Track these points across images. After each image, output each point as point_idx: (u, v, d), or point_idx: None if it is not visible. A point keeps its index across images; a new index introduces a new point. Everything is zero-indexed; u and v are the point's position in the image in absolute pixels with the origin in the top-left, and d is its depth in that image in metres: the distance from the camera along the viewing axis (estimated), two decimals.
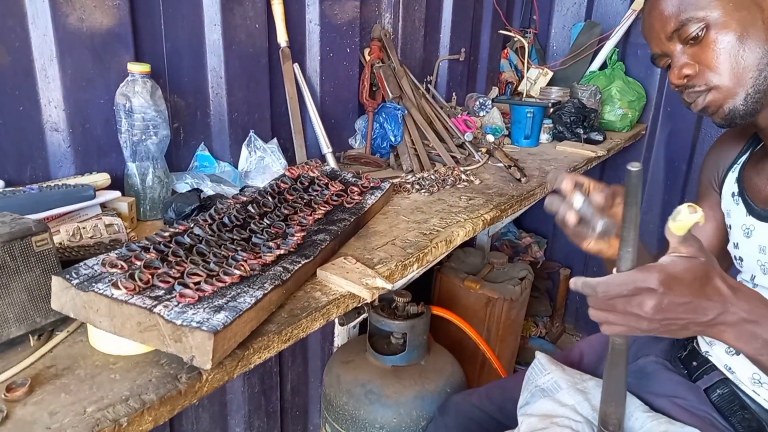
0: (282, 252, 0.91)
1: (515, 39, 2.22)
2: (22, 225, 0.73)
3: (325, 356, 1.84)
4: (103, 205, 1.06)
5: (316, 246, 0.97)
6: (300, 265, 0.89)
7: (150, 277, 0.74)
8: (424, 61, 1.90)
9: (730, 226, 0.98)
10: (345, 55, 1.59)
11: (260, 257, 0.88)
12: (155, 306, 0.69)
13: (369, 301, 0.91)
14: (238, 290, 0.78)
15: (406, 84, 1.68)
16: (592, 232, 0.80)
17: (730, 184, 0.98)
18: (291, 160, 1.43)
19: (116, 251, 0.80)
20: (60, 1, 1.01)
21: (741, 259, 0.96)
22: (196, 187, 1.20)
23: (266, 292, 0.79)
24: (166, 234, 0.88)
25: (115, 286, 0.71)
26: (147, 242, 0.84)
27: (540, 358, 1.07)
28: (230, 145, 1.36)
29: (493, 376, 1.96)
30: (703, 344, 1.01)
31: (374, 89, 1.64)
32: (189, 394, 0.70)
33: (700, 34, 0.82)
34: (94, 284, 0.71)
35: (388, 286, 0.93)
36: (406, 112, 1.59)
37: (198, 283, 0.76)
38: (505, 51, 2.35)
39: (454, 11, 1.96)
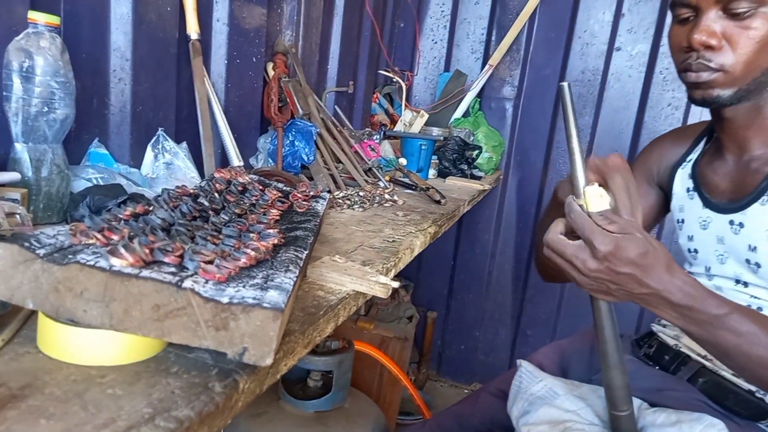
0: (275, 242, 0.73)
1: (394, 81, 2.26)
2: None
3: None
4: None
5: (302, 240, 0.79)
6: (306, 253, 0.72)
7: (149, 251, 0.52)
8: (317, 87, 1.82)
9: (682, 220, 1.05)
10: (251, 65, 1.44)
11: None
12: (182, 280, 0.48)
13: (385, 298, 0.77)
14: (262, 272, 0.58)
15: (312, 103, 1.57)
16: None
17: (683, 180, 1.06)
18: (199, 171, 1.21)
19: (80, 221, 0.55)
20: None
21: (696, 251, 1.02)
22: (103, 183, 0.93)
23: (296, 274, 0.61)
24: (127, 212, 0.64)
25: (114, 254, 0.47)
26: (109, 216, 0.60)
27: (525, 366, 1.00)
28: (131, 144, 1.10)
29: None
30: (669, 339, 1.04)
31: (281, 105, 1.50)
32: (225, 409, 0.49)
33: (746, 12, 0.80)
34: (72, 256, 0.47)
35: (396, 285, 0.80)
36: (319, 130, 1.48)
37: (210, 262, 0.56)
38: (375, 95, 2.38)
39: (342, 43, 1.93)
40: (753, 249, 0.91)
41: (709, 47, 0.83)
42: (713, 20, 0.83)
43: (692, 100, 0.91)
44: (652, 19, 2.21)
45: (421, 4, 2.55)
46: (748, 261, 0.92)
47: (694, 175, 1.04)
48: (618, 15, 2.26)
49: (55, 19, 0.82)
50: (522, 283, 2.64)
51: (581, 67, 2.35)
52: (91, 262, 0.46)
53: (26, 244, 0.46)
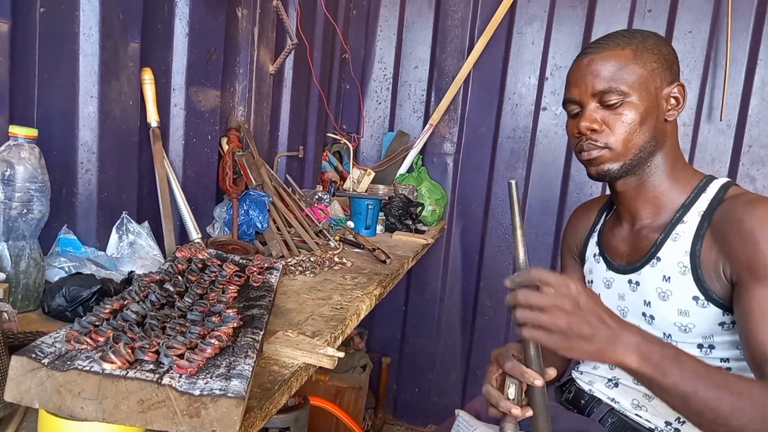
0: (235, 325, 0.84)
1: (342, 143, 2.42)
2: None
3: None
4: None
5: (258, 319, 0.91)
6: (262, 333, 0.83)
7: (131, 350, 0.63)
8: (269, 154, 1.95)
9: (591, 281, 1.22)
10: (206, 142, 1.56)
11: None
12: (161, 377, 0.59)
13: (331, 369, 0.89)
14: (225, 360, 0.70)
15: (264, 173, 1.70)
16: None
17: (592, 248, 1.23)
18: (159, 246, 1.31)
19: (72, 326, 0.66)
20: None
21: None
22: (76, 272, 1.03)
23: (254, 359, 0.72)
24: (107, 309, 0.75)
25: (106, 359, 0.59)
26: (93, 318, 0.71)
27: (462, 415, 1.13)
28: (97, 228, 1.20)
29: None
30: (585, 384, 1.20)
31: (235, 177, 1.62)
32: None
33: (616, 103, 1.01)
34: (70, 362, 0.58)
35: (341, 355, 0.92)
36: (271, 199, 1.61)
37: (181, 355, 0.67)
38: (325, 154, 2.53)
39: (291, 112, 2.08)
40: (647, 304, 1.08)
41: (593, 130, 1.04)
42: (594, 110, 1.04)
43: (589, 175, 1.10)
44: None
45: (365, 68, 2.74)
46: (644, 314, 1.09)
47: (600, 242, 1.21)
48: (542, 79, 2.50)
49: (33, 132, 0.93)
50: (470, 326, 2.79)
51: (512, 126, 2.57)
52: (87, 367, 0.58)
53: (33, 355, 0.57)
